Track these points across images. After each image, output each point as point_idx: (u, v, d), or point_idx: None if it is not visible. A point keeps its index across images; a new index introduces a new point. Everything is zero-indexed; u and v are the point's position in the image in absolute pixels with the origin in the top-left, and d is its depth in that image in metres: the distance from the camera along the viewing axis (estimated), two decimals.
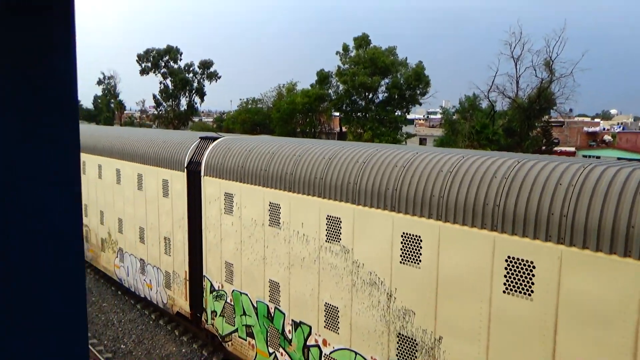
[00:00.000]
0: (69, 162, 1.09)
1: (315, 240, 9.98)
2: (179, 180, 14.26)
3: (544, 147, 38.40)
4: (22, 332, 1.06)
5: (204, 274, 13.69)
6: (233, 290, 12.67)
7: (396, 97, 48.02)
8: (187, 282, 14.42)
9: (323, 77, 50.63)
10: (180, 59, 67.82)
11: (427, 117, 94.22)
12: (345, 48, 49.46)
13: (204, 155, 13.37)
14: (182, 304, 14.76)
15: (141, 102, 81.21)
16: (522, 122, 37.89)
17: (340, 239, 9.47)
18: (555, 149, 42.14)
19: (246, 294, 12.21)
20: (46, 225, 1.08)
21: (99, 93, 75.18)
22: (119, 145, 17.85)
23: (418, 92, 48.43)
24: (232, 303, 12.70)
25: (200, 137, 14.43)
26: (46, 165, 1.05)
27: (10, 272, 1.02)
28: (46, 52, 1.01)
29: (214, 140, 13.76)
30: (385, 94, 48.92)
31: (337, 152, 10.05)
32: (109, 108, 73.08)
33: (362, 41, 48.65)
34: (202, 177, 13.27)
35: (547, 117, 40.68)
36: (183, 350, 14.64)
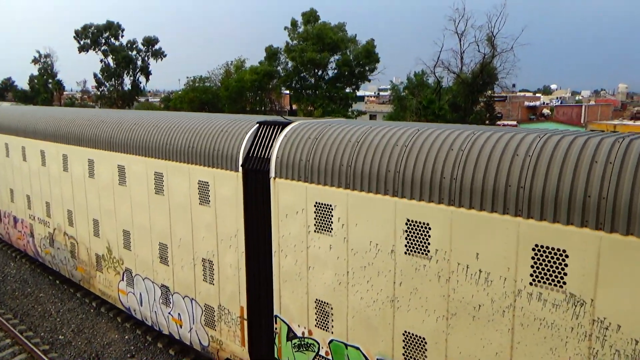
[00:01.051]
0: None
1: (505, 281, 6.68)
2: (228, 183, 10.28)
3: (487, 122, 39.58)
4: None
5: (275, 313, 9.98)
6: (332, 341, 9.09)
7: (346, 74, 47.99)
8: (245, 323, 10.73)
9: (271, 54, 49.82)
10: (122, 36, 64.92)
11: (378, 93, 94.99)
12: (294, 23, 48.77)
13: (274, 148, 9.50)
14: (237, 350, 11.03)
15: (82, 82, 77.45)
16: (467, 97, 38.85)
17: (562, 283, 6.16)
18: (498, 122, 43.56)
19: (357, 348, 8.67)
20: None
21: (35, 73, 70.87)
22: (121, 133, 13.41)
23: (367, 68, 48.64)
24: (331, 358, 9.22)
25: (259, 123, 10.26)
26: None
27: None
28: None
29: (283, 127, 9.77)
30: (335, 71, 48.83)
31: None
32: (46, 89, 69.09)
33: (311, 17, 48.08)
34: (271, 180, 9.44)
35: (490, 92, 41.85)
36: (126, 337, 14.29)
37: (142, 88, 69.66)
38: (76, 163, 15.31)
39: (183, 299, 12.16)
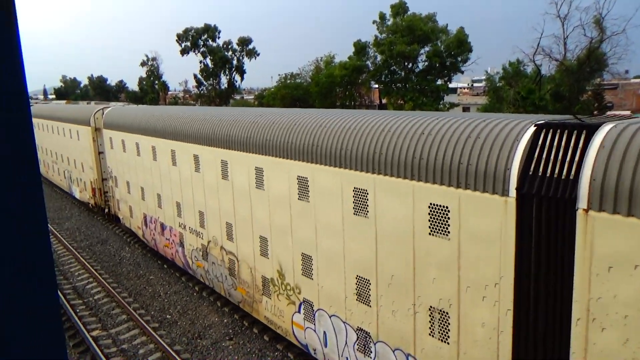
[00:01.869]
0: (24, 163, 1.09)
1: None
2: (484, 211, 7.47)
3: (595, 112, 36.33)
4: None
5: None
6: None
7: (437, 65, 46.65)
8: None
9: (360, 48, 49.80)
10: (219, 37, 68.46)
11: (472, 85, 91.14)
12: (382, 16, 48.28)
13: (584, 163, 6.41)
14: None
15: (183, 82, 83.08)
16: (571, 86, 35.94)
17: None
18: (609, 112, 39.82)
19: None
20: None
21: (144, 75, 77.25)
22: (306, 137, 10.85)
23: (460, 59, 46.88)
24: None
25: (537, 125, 7.26)
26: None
27: None
28: None
29: (591, 131, 6.62)
30: (426, 63, 47.65)
31: None
32: (153, 89, 75.09)
33: (400, 8, 47.30)
34: (579, 213, 6.40)
35: (599, 79, 38.36)
36: (225, 321, 15.22)
37: (237, 86, 73.17)
38: (240, 171, 13.30)
39: (393, 352, 9.45)
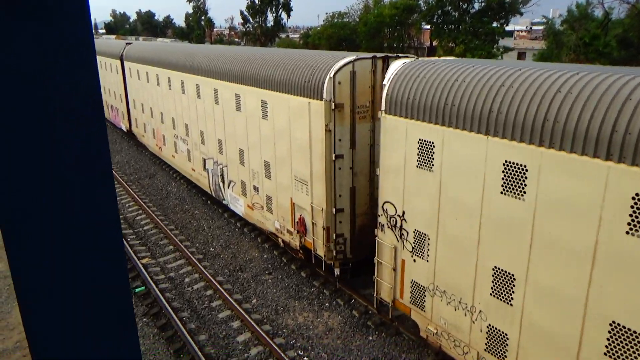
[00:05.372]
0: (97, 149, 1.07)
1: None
2: None
3: None
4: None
5: None
6: None
7: (495, 6, 43.79)
8: None
9: None
10: None
11: (531, 28, 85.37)
12: None
13: None
14: None
15: (230, 19, 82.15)
16: None
17: None
18: None
19: None
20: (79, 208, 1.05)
21: (190, 11, 76.79)
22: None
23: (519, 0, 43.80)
24: None
25: None
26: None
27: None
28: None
29: None
30: (482, 4, 44.83)
31: None
32: (199, 26, 74.80)
33: None
34: None
35: None
36: (264, 256, 15.83)
37: (283, 24, 71.70)
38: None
39: None
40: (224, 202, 18.49)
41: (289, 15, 68.94)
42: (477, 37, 43.81)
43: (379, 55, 12.21)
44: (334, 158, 11.99)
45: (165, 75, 21.30)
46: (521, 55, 51.20)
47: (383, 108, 10.07)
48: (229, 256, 16.03)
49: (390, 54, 12.27)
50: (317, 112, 11.96)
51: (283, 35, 74.57)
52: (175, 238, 17.05)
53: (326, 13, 65.61)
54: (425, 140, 9.15)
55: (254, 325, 11.97)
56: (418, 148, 9.33)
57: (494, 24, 45.26)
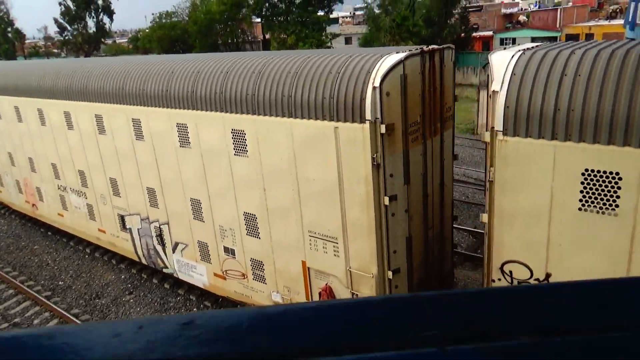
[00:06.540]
0: None
1: None
2: None
3: (462, 35, 39.03)
4: None
5: None
6: None
7: None
8: None
9: None
10: None
11: (354, 14, 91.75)
12: None
13: None
14: None
15: (43, 28, 73.88)
16: (440, 11, 37.97)
17: None
18: (474, 34, 42.91)
19: None
20: None
21: None
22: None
23: None
24: None
25: None
26: None
27: None
28: None
29: None
30: None
31: None
32: (6, 39, 65.98)
33: None
34: None
35: (465, 2, 40.87)
36: (122, 277, 15.13)
37: (107, 29, 66.77)
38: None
39: None
40: (165, 270, 13.96)
41: (112, 19, 64.46)
42: (305, 27, 45.98)
43: (425, 48, 8.65)
44: (387, 202, 8.40)
45: (33, 106, 16.02)
46: (348, 41, 54.99)
47: (498, 127, 6.78)
48: (82, 286, 14.97)
49: (435, 46, 8.93)
50: (352, 140, 8.35)
51: (109, 41, 69.51)
52: (15, 280, 15.35)
53: (152, 14, 62.69)
54: (596, 172, 6.28)
55: None
56: (583, 182, 6.42)
57: (320, 13, 47.94)
